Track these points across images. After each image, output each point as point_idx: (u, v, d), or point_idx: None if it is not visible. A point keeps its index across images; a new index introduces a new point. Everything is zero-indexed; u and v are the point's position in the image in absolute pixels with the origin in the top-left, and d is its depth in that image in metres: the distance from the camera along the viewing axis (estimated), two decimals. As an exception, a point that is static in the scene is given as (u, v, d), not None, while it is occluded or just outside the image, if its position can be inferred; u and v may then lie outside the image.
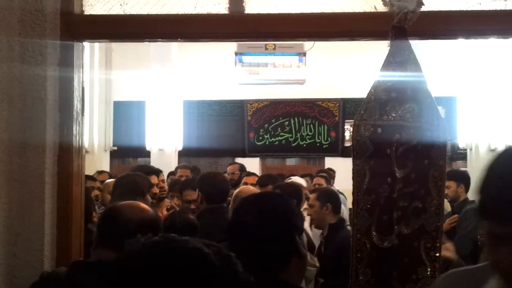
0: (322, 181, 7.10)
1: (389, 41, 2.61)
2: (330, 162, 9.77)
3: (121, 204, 2.33)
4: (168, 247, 1.13)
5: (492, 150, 7.86)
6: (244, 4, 2.98)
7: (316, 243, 4.86)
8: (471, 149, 8.13)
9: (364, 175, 2.57)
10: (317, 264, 4.44)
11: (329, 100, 10.28)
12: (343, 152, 10.02)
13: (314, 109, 10.39)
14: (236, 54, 9.13)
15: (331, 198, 4.74)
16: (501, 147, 7.83)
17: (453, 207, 5.88)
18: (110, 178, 5.96)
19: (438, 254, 2.52)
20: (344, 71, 9.60)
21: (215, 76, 9.72)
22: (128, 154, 9.96)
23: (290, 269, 1.84)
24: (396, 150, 2.52)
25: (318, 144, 10.46)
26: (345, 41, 3.29)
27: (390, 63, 2.57)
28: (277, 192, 3.24)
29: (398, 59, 2.56)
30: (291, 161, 11.28)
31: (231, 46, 8.96)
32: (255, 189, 4.37)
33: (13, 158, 2.79)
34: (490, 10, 2.90)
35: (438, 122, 2.54)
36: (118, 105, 9.74)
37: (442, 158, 2.52)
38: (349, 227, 4.28)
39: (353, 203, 2.66)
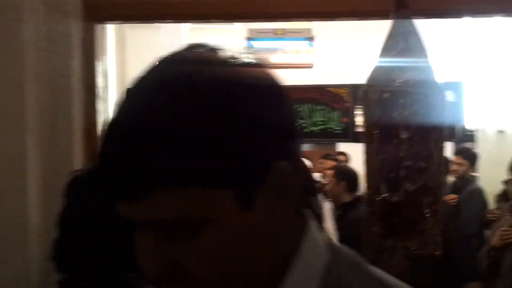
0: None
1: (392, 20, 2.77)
2: (342, 148, 9.88)
3: None
4: None
5: (501, 132, 7.96)
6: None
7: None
8: (479, 131, 8.21)
9: (372, 137, 2.80)
10: None
11: (340, 86, 10.35)
12: (355, 138, 10.10)
13: (325, 94, 10.46)
14: (246, 39, 9.22)
15: (347, 176, 4.82)
16: (509, 129, 7.95)
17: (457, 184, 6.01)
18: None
19: (438, 208, 2.75)
20: (353, 56, 9.68)
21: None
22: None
23: None
24: (401, 114, 2.74)
25: (330, 130, 10.53)
26: (351, 20, 3.41)
27: (393, 38, 2.76)
28: None
29: (401, 34, 2.76)
30: (304, 147, 11.31)
31: (241, 32, 9.04)
32: None
33: (44, 133, 2.87)
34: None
35: (438, 89, 2.77)
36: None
37: (442, 121, 2.77)
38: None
39: (364, 162, 2.90)
